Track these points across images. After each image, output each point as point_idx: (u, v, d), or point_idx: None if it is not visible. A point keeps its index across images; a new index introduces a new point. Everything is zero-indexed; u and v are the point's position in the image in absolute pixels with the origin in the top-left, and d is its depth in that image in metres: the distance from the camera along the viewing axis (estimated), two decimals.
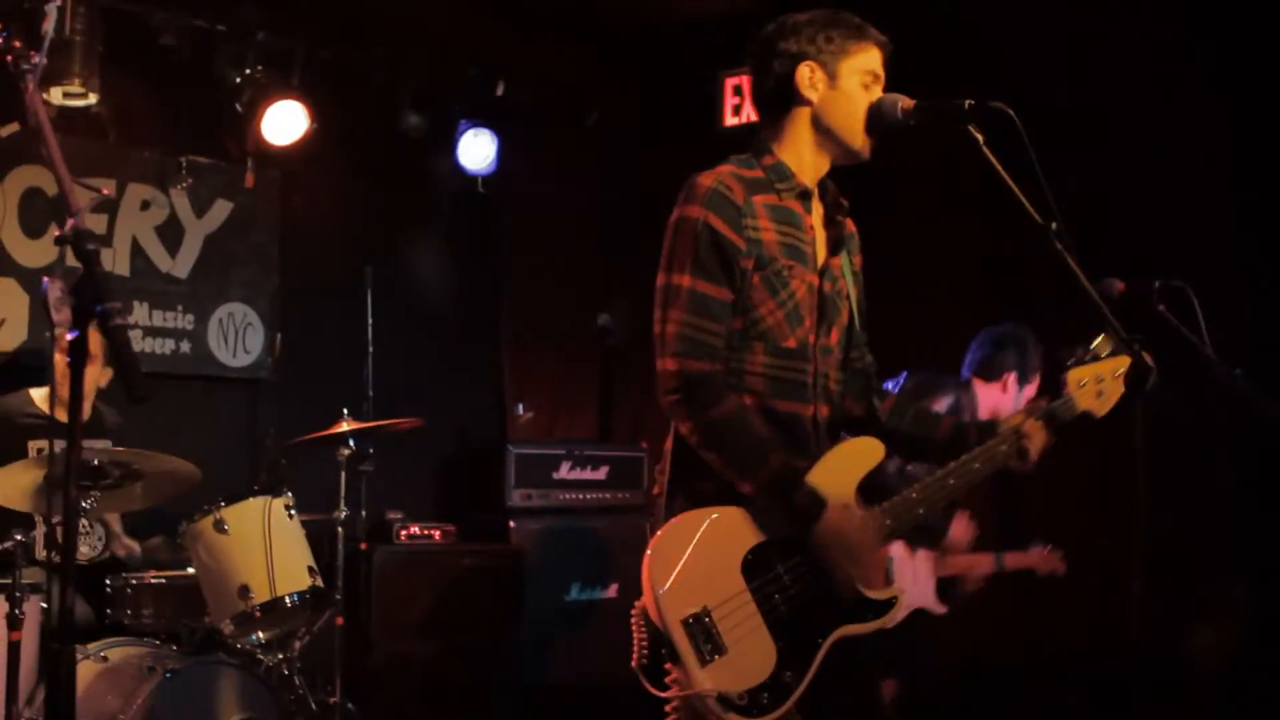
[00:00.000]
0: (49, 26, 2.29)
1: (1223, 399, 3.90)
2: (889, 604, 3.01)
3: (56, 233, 2.09)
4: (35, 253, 6.45)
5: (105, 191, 6.33)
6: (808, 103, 3.15)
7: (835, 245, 3.23)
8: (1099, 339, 3.25)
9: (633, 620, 2.90)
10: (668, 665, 2.84)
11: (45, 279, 2.11)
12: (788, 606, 2.91)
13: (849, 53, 3.14)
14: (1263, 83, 5.36)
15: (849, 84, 3.14)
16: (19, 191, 6.44)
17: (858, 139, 3.16)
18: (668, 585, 2.84)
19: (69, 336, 2.10)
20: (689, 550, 2.90)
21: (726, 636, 2.84)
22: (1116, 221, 5.33)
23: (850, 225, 3.29)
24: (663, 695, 2.86)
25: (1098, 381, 3.23)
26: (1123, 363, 3.20)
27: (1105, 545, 5.01)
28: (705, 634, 2.82)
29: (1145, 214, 5.51)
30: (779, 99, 3.18)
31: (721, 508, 2.95)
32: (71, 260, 2.09)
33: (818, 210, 3.23)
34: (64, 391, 5.36)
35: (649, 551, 2.89)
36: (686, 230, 3.02)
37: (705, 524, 2.94)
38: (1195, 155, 5.52)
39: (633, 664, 2.90)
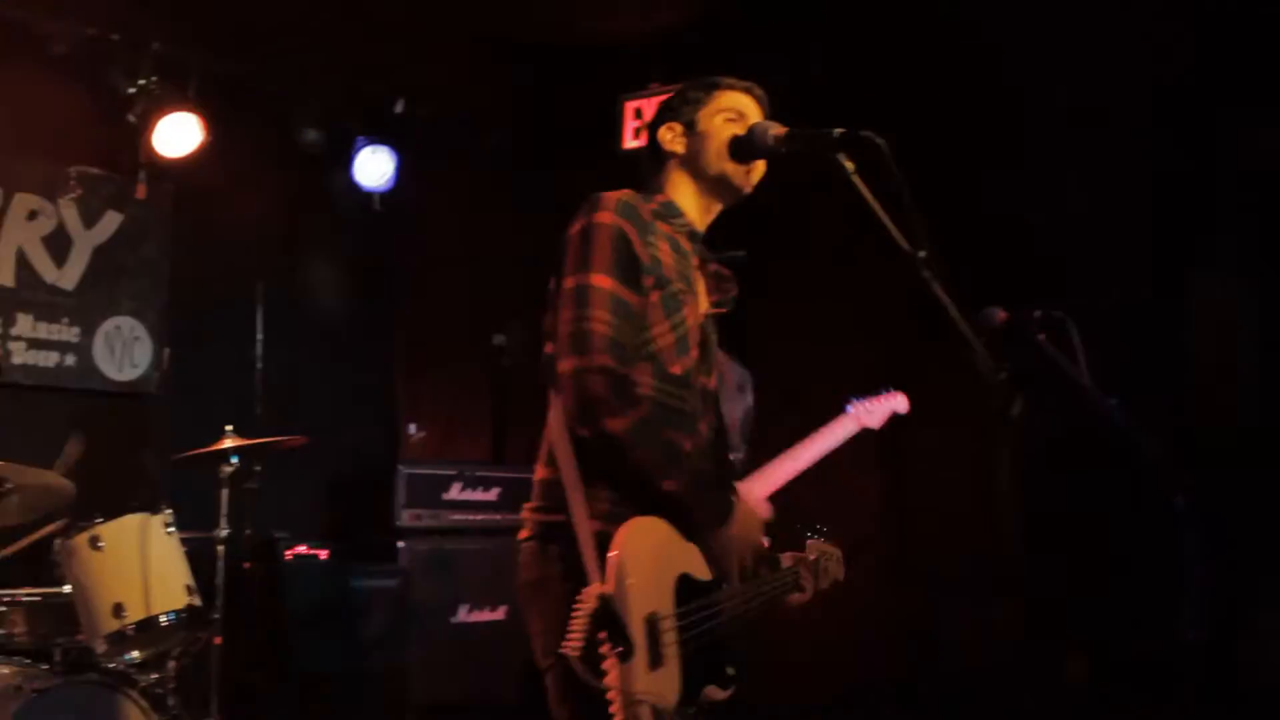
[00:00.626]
0: None
1: (1099, 428, 3.97)
2: (733, 680, 3.04)
3: None
4: None
5: None
6: (674, 154, 3.31)
7: (716, 304, 3.33)
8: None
9: (579, 607, 2.78)
10: (607, 664, 2.73)
11: None
12: (690, 644, 2.89)
13: (703, 103, 3.32)
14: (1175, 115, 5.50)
15: (710, 124, 3.29)
16: None
17: (725, 165, 3.26)
18: (636, 579, 2.78)
19: None
20: (646, 553, 2.85)
21: (665, 650, 2.80)
22: (1016, 248, 5.42)
23: (734, 290, 3.38)
24: (601, 685, 2.72)
25: (825, 559, 3.55)
26: (837, 552, 3.63)
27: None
28: (655, 640, 2.78)
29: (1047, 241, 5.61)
30: (654, 160, 3.36)
31: (664, 522, 2.93)
32: None
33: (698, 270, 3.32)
34: None
35: (617, 548, 2.79)
36: (601, 234, 3.02)
37: (655, 534, 2.91)
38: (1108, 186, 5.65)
39: (567, 650, 2.75)
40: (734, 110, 3.29)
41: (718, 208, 3.34)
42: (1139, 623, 5.10)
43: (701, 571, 3.00)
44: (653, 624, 2.78)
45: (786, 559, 3.44)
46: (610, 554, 2.80)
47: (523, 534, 3.11)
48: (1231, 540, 4.87)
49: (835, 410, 5.02)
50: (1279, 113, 5.32)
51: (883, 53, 6.24)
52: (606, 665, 2.73)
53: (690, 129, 3.29)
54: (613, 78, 7.39)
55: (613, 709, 2.71)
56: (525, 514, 3.12)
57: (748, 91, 3.34)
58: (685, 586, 2.92)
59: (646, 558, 2.85)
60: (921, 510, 5.58)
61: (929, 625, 5.81)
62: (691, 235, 3.27)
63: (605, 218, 3.04)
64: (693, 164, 3.28)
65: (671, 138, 3.30)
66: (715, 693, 2.97)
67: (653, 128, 3.36)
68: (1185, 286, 5.59)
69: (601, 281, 2.98)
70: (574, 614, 2.78)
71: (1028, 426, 3.07)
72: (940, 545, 5.82)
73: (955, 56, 6.00)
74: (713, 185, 3.29)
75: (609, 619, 2.75)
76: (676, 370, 3.10)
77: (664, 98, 3.47)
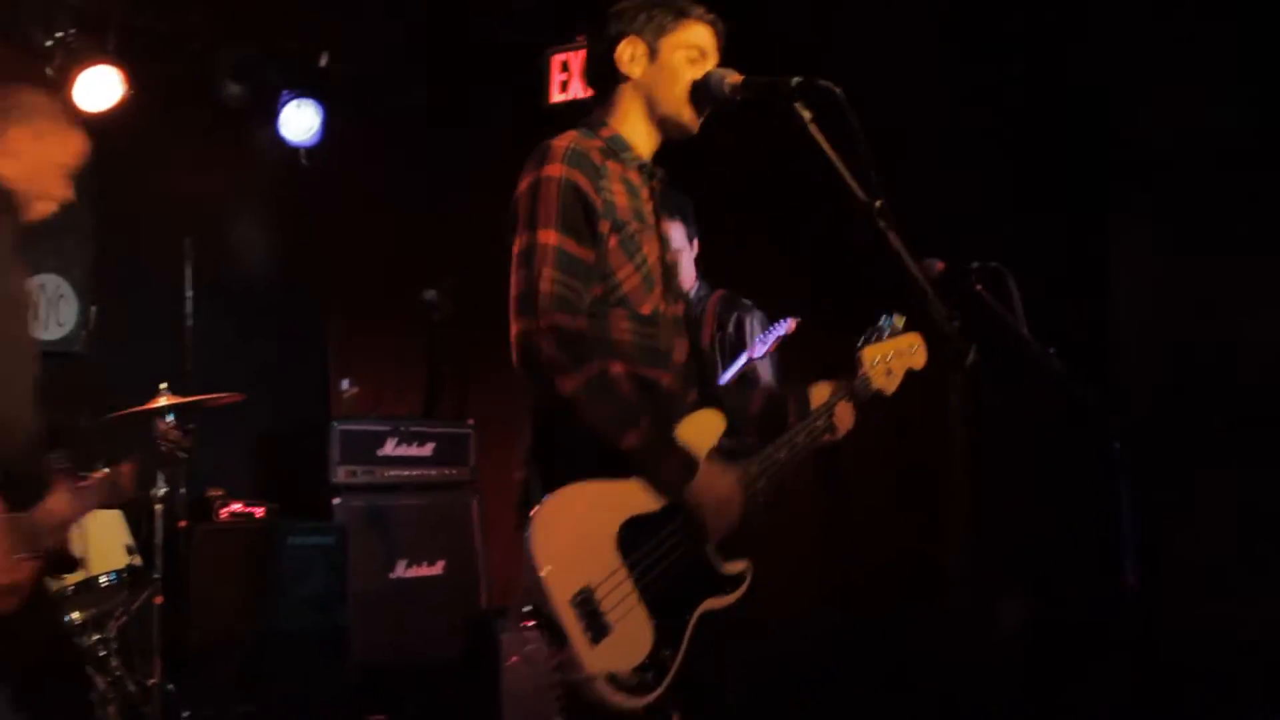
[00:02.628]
0: None
1: (1037, 377, 4.04)
2: (742, 577, 3.05)
3: None
4: None
5: None
6: (630, 77, 3.21)
7: (661, 214, 3.26)
8: (891, 317, 3.44)
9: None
10: (551, 649, 2.78)
11: None
12: (659, 582, 2.88)
13: (669, 30, 3.21)
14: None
15: (671, 59, 3.20)
16: None
17: (683, 111, 3.21)
18: (551, 565, 2.76)
19: None
20: (567, 528, 2.83)
21: (610, 615, 2.78)
22: (944, 203, 5.47)
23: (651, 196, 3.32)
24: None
25: (886, 359, 3.41)
26: (913, 340, 3.44)
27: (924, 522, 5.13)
28: (591, 614, 2.76)
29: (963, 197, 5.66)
30: (605, 77, 3.25)
31: (592, 482, 2.89)
32: None
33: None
34: None
35: (529, 533, 2.79)
36: (549, 188, 2.98)
37: (579, 500, 2.87)
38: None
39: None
40: (697, 48, 3.21)
41: (659, 140, 3.28)
42: (1081, 568, 5.20)
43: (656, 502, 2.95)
44: (584, 600, 2.76)
45: (821, 392, 3.33)
46: (525, 549, 2.79)
47: (517, 473, 3.12)
48: (1155, 487, 4.97)
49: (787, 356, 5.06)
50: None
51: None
52: (552, 653, 2.77)
53: (652, 55, 3.20)
54: (537, 31, 7.34)
55: (560, 692, 2.78)
56: (518, 460, 3.14)
57: (712, 25, 3.26)
58: (634, 531, 2.89)
59: (567, 534, 2.82)
60: (867, 458, 5.63)
61: (872, 572, 5.87)
62: (640, 167, 3.22)
63: (554, 170, 3.00)
64: (648, 96, 3.21)
65: (631, 57, 3.21)
66: (718, 601, 2.98)
67: (609, 39, 3.23)
68: (1106, 243, 5.68)
69: (548, 238, 2.95)
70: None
71: (981, 376, 3.12)
72: (885, 495, 5.89)
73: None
74: (664, 123, 3.24)
75: (538, 613, 2.77)
76: (646, 310, 3.09)
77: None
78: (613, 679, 2.75)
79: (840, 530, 6.10)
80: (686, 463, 2.96)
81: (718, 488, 2.98)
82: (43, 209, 3.98)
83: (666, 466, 2.94)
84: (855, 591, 5.97)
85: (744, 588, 3.05)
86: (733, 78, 3.17)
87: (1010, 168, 5.77)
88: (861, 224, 3.02)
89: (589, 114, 3.27)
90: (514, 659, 2.96)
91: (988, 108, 5.79)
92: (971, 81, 5.88)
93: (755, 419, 3.36)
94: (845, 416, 3.31)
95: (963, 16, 5.87)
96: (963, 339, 3.07)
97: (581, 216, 2.99)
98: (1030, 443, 5.40)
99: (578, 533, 2.84)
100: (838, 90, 2.96)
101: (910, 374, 3.48)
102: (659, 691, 2.82)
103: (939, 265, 3.78)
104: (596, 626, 2.77)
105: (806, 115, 3.03)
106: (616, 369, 2.98)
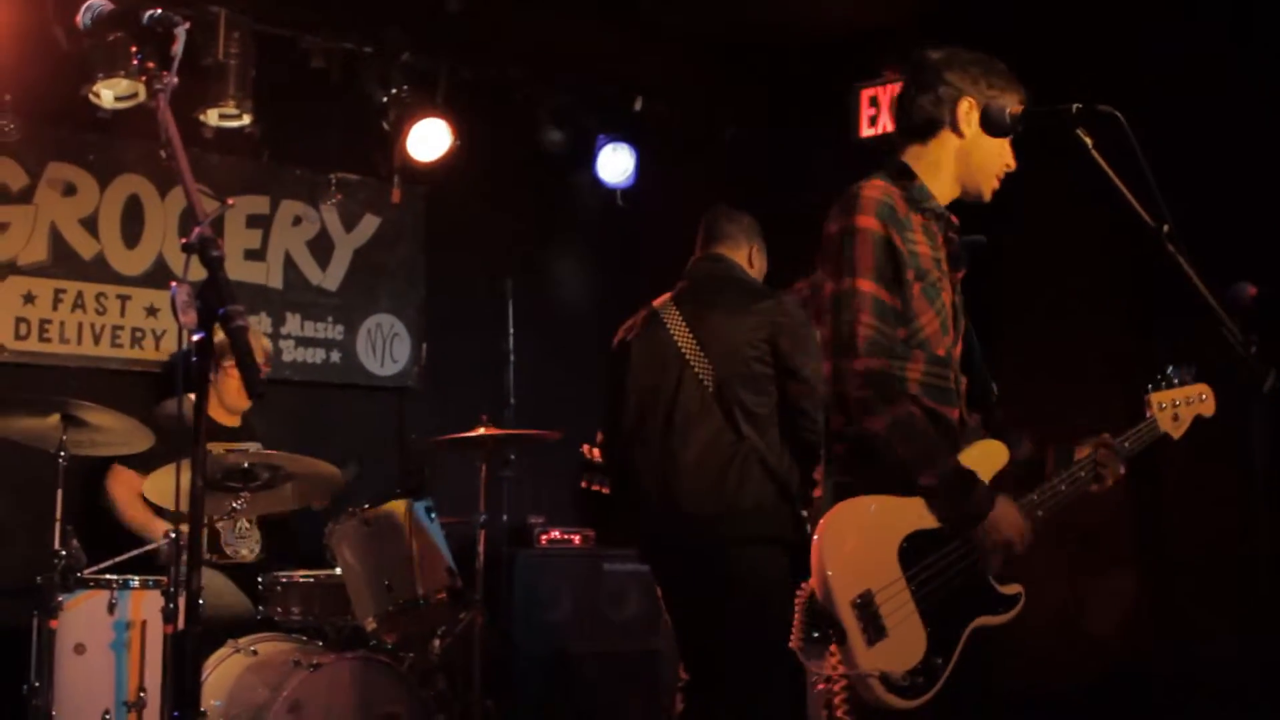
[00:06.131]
0: (178, 49, 2.46)
1: None
2: (1016, 599, 3.18)
3: (183, 241, 2.26)
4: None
5: (230, 202, 6.59)
6: (960, 135, 3.32)
7: (954, 262, 3.38)
8: (1179, 369, 3.52)
9: (798, 600, 3.00)
10: (833, 647, 2.94)
11: (173, 284, 2.28)
12: (937, 595, 3.03)
13: (1000, 101, 3.28)
14: None
15: None
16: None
17: (990, 185, 3.37)
18: (837, 567, 2.95)
19: (195, 337, 2.27)
20: (854, 536, 3.02)
21: (887, 620, 2.95)
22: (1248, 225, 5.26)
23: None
24: (826, 674, 2.98)
25: (1175, 405, 3.49)
26: (1202, 389, 3.52)
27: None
28: (870, 616, 2.93)
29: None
30: (933, 124, 3.34)
31: (879, 496, 3.07)
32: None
33: None
34: (229, 399, 5.65)
35: (817, 536, 2.99)
36: (863, 239, 3.15)
37: (867, 512, 3.07)
38: None
39: (792, 644, 3.00)
40: None
41: (957, 194, 3.40)
42: None
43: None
44: (865, 604, 2.93)
45: (1085, 448, 3.40)
46: (812, 551, 2.98)
47: (817, 491, 3.32)
48: None
49: (1072, 389, 4.96)
50: None
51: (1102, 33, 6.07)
52: (832, 649, 2.93)
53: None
54: (844, 67, 7.38)
55: (835, 687, 2.96)
56: (818, 477, 3.34)
57: (1023, 102, 3.31)
58: (916, 546, 3.05)
59: (853, 541, 3.01)
60: (1172, 491, 5.44)
61: (1179, 610, 5.66)
62: (939, 216, 3.34)
63: (867, 222, 3.15)
64: (967, 159, 3.33)
65: (966, 114, 3.30)
66: (991, 619, 3.12)
67: (954, 88, 3.30)
68: None
69: (865, 286, 3.13)
70: (796, 609, 3.00)
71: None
72: (1192, 528, 5.67)
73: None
74: (968, 184, 3.37)
75: (819, 610, 2.95)
76: (941, 352, 3.24)
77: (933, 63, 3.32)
78: (885, 678, 2.90)
79: (1149, 565, 5.90)
80: (983, 501, 3.09)
81: (1012, 519, 3.12)
82: None
83: (968, 501, 3.08)
84: (1164, 635, 5.76)
85: (1017, 609, 3.17)
86: (1014, 108, 3.23)
87: None
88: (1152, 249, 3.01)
89: (892, 154, 3.37)
90: (820, 685, 3.11)
91: None
92: None
93: (1020, 463, 3.42)
94: (1113, 467, 3.37)
95: None
96: (1261, 364, 3.02)
97: (891, 267, 3.15)
98: None
99: (863, 541, 3.02)
100: (1118, 114, 2.96)
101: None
102: (929, 696, 2.96)
103: (1251, 290, 3.66)
104: (874, 628, 2.93)
105: (1089, 141, 3.04)
106: (919, 409, 3.14)
